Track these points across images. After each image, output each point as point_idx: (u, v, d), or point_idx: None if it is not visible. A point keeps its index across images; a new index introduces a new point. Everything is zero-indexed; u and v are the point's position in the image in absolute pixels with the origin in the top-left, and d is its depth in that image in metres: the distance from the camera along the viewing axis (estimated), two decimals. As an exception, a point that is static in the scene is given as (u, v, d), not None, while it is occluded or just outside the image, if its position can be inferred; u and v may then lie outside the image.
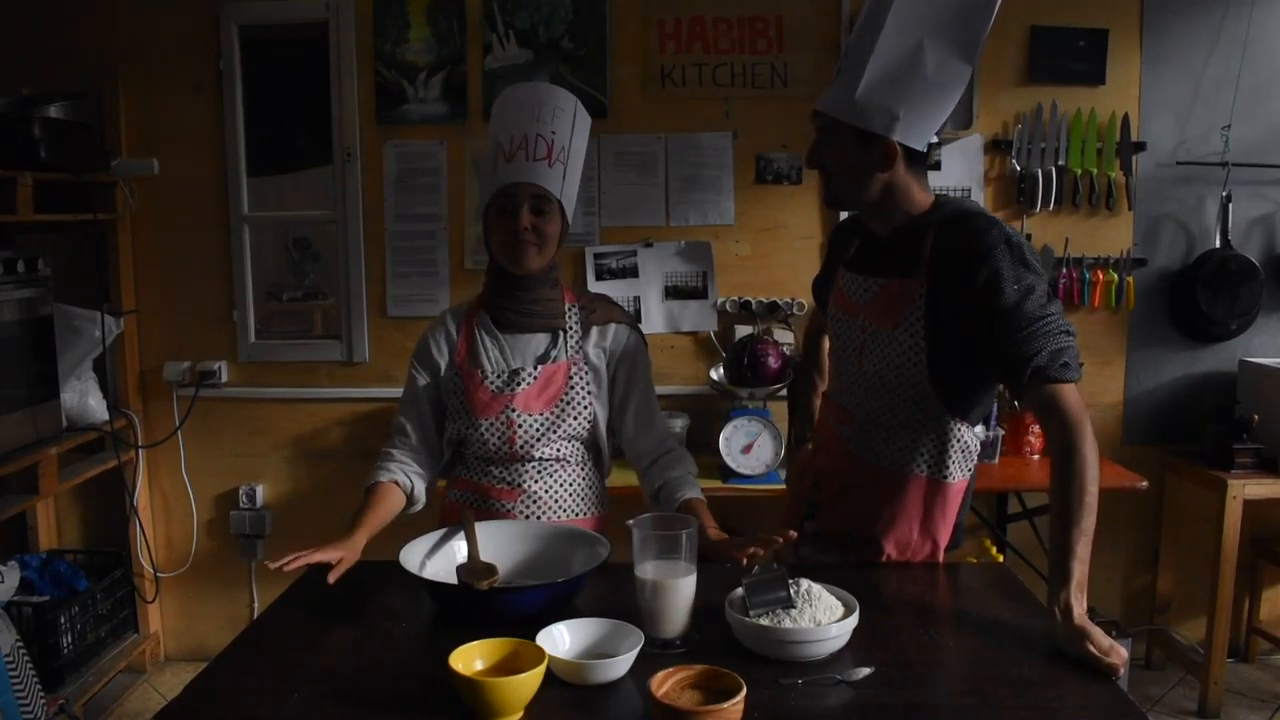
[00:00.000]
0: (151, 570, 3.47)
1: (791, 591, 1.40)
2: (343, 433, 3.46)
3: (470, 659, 1.26)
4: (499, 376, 1.84)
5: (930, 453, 1.74)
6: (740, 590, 1.43)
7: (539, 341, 1.87)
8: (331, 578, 1.57)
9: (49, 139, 2.85)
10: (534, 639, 1.31)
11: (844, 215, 3.20)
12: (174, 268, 3.41)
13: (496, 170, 1.81)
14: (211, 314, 3.43)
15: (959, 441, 1.75)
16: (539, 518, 1.84)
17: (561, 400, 1.84)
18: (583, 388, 1.85)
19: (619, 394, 1.91)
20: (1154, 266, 3.29)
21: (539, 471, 1.85)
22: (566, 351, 1.86)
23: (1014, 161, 3.24)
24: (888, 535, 1.77)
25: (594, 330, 1.90)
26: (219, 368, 3.41)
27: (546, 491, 1.85)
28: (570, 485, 1.88)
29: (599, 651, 1.35)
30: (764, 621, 1.37)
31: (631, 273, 3.31)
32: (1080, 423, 1.53)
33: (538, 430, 1.83)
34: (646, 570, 1.41)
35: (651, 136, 3.26)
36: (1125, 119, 3.20)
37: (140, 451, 3.42)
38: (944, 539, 1.80)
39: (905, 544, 1.77)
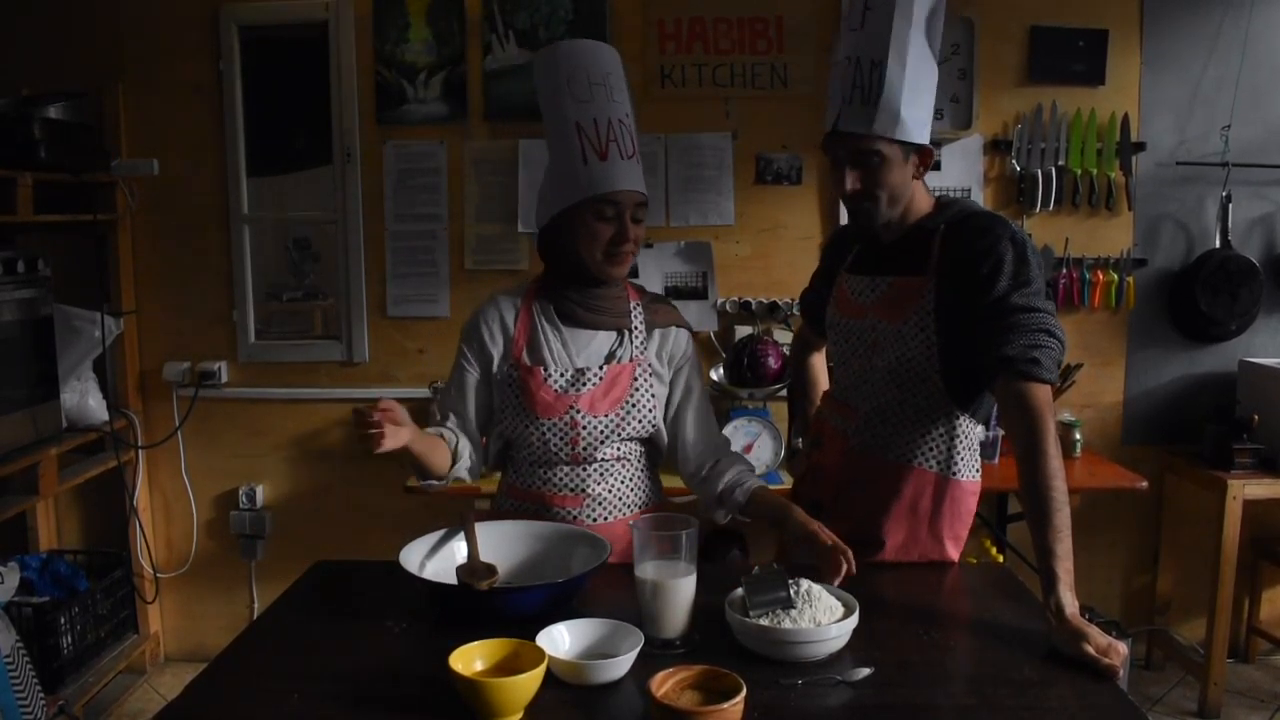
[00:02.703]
0: (151, 571, 3.47)
1: (791, 592, 1.40)
2: (343, 433, 3.45)
3: (470, 659, 1.26)
4: (563, 375, 1.76)
5: (938, 448, 1.75)
6: (740, 590, 1.44)
7: (603, 339, 1.79)
8: (383, 444, 1.55)
9: (49, 139, 2.85)
10: (534, 639, 1.31)
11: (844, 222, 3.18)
12: (174, 268, 3.42)
13: (586, 163, 1.67)
14: (211, 314, 3.43)
15: (965, 438, 1.76)
16: (605, 519, 1.79)
17: (627, 402, 1.77)
18: (647, 390, 1.79)
19: (677, 400, 1.84)
20: (1154, 267, 3.29)
21: (602, 473, 1.79)
22: (632, 352, 1.79)
23: (1014, 162, 3.24)
24: (892, 531, 1.76)
25: (656, 333, 1.82)
26: (219, 368, 3.41)
27: (610, 491, 1.80)
28: (631, 481, 1.83)
29: (599, 652, 1.35)
30: (764, 621, 1.37)
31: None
32: (1044, 422, 1.54)
33: (602, 432, 1.76)
34: (646, 570, 1.41)
35: (651, 136, 3.26)
36: (1125, 119, 3.20)
37: (140, 452, 3.42)
38: (955, 544, 1.79)
39: (912, 542, 1.77)
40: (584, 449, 1.76)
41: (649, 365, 1.80)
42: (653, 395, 1.79)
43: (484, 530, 1.68)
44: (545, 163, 1.78)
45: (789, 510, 1.66)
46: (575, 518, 1.78)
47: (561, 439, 1.75)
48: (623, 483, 1.82)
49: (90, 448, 3.25)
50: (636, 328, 1.80)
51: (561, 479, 1.79)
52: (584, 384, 1.75)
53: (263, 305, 3.52)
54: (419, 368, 3.41)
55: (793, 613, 1.38)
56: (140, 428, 3.43)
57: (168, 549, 3.56)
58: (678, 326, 1.86)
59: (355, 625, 1.52)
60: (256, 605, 3.51)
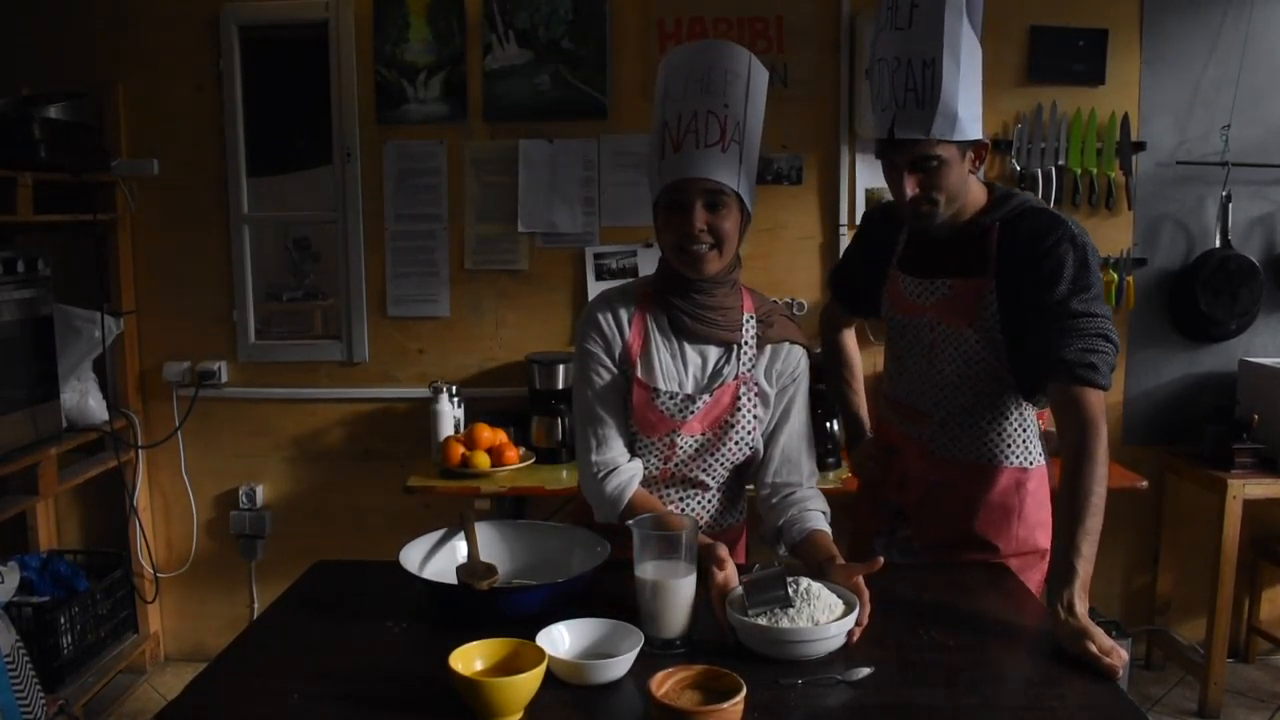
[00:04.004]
0: (151, 570, 3.47)
1: (790, 591, 1.40)
2: (343, 433, 3.46)
3: (470, 659, 1.26)
4: (672, 399, 1.68)
5: (1017, 442, 1.77)
6: (740, 590, 1.44)
7: (711, 355, 1.70)
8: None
9: (49, 139, 2.85)
10: (534, 639, 1.31)
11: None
12: (174, 268, 3.41)
13: (663, 158, 1.62)
14: (211, 314, 3.43)
15: (1035, 426, 1.79)
16: None
17: (725, 423, 1.69)
18: (749, 411, 1.70)
19: (775, 419, 1.74)
20: (1154, 266, 3.29)
21: (680, 496, 1.75)
22: (738, 370, 1.69)
23: (1014, 161, 3.24)
24: (991, 532, 1.77)
25: (768, 350, 1.71)
26: (219, 368, 3.41)
27: (687, 511, 1.75)
28: (710, 504, 1.78)
29: (599, 651, 1.35)
30: (763, 621, 1.37)
31: (631, 273, 3.30)
32: (1097, 427, 1.55)
33: (694, 451, 1.71)
34: (646, 570, 1.41)
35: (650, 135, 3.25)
36: (1125, 119, 3.20)
37: (140, 452, 3.42)
38: (1044, 532, 1.79)
39: (1011, 538, 1.78)
40: (676, 467, 1.72)
41: (755, 384, 1.70)
42: (754, 417, 1.70)
43: (484, 530, 1.68)
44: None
45: (831, 566, 1.53)
46: None
47: (656, 457, 1.71)
48: (700, 506, 1.77)
49: (90, 448, 3.25)
50: (747, 342, 1.70)
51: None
52: (691, 411, 1.68)
53: (263, 305, 3.51)
54: (419, 368, 3.40)
55: (791, 612, 1.38)
56: (140, 428, 3.43)
57: (168, 549, 3.56)
58: (792, 343, 1.74)
59: (355, 625, 1.51)
60: (256, 605, 3.51)
